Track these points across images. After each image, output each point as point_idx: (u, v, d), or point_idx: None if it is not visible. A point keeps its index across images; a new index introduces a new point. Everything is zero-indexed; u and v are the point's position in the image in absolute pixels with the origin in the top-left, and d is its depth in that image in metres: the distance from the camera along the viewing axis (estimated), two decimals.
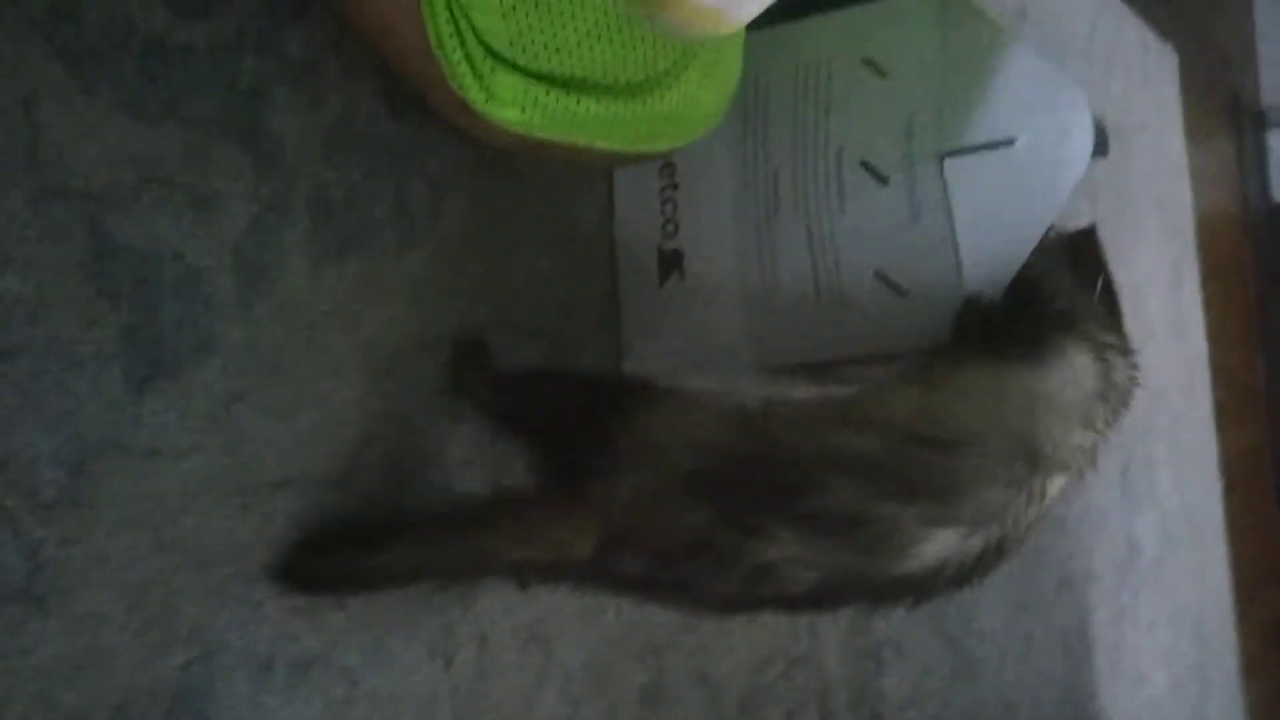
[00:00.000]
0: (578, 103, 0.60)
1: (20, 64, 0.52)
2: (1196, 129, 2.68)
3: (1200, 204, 2.70)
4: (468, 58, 0.59)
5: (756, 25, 0.80)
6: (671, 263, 0.80)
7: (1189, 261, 2.55)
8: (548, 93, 0.60)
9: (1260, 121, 3.38)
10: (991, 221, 0.68)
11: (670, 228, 0.80)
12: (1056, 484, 0.62)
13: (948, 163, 0.69)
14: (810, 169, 0.74)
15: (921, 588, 0.59)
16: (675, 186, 0.79)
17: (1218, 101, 3.08)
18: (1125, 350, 0.70)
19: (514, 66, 0.59)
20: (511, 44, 0.59)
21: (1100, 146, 0.70)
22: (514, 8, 0.58)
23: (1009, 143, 0.68)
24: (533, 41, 0.59)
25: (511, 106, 0.60)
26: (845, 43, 0.74)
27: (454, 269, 0.70)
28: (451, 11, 0.58)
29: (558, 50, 0.59)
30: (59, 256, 0.52)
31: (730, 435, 0.59)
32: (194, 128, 0.58)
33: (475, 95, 0.59)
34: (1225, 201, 3.09)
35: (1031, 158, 0.67)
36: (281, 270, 0.61)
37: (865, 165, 0.72)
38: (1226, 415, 2.53)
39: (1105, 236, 0.75)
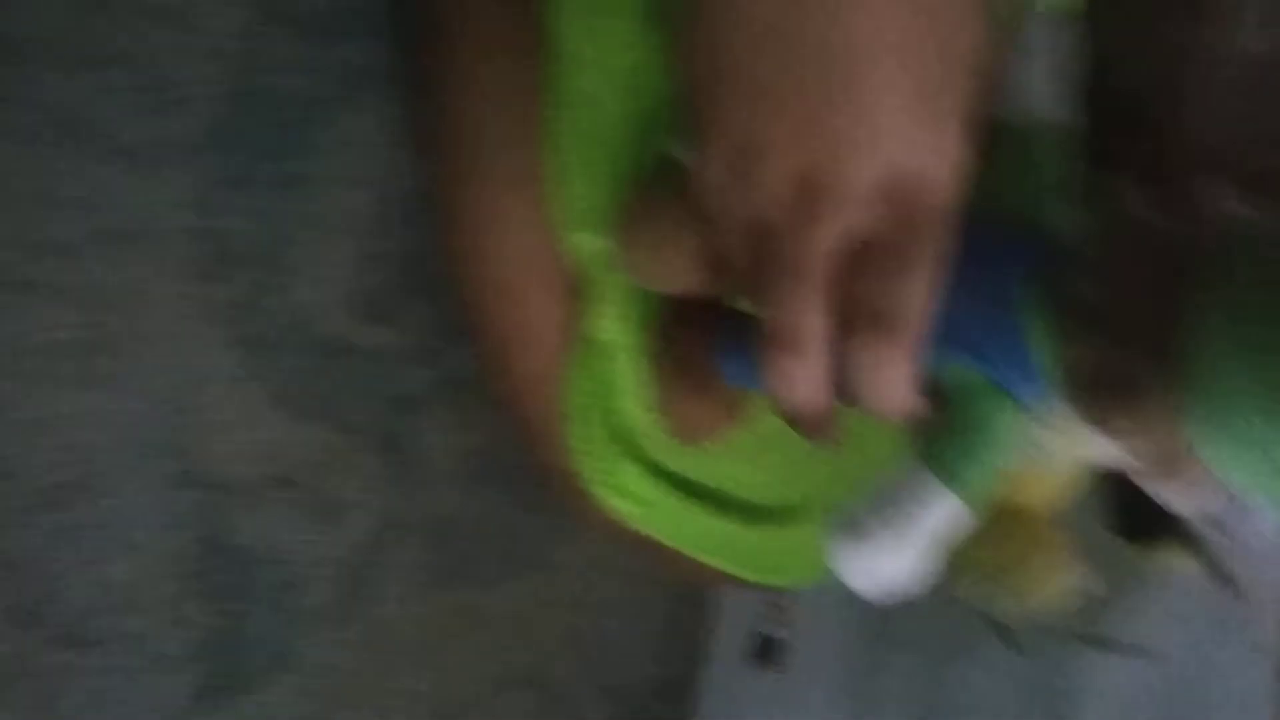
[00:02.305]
0: (698, 512, 0.57)
1: (201, 346, 0.51)
2: None
3: None
4: (596, 437, 0.55)
5: None
6: (771, 650, 0.76)
7: None
8: (670, 494, 0.56)
9: None
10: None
11: (777, 614, 0.76)
12: None
13: (1087, 651, 0.64)
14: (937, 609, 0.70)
15: None
16: None
17: None
18: None
19: (642, 459, 0.56)
20: (646, 436, 0.55)
21: None
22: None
23: (1161, 655, 0.63)
24: (670, 443, 0.55)
25: (628, 498, 0.56)
26: None
27: (549, 614, 0.67)
28: (594, 385, 0.55)
29: (694, 458, 0.56)
30: (172, 547, 0.50)
31: None
32: (342, 431, 0.57)
33: (592, 475, 0.56)
34: None
35: (1182, 677, 0.62)
36: (382, 592, 0.59)
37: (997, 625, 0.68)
38: None
39: None
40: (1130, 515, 0.52)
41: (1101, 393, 0.34)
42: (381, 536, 0.59)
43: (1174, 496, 0.37)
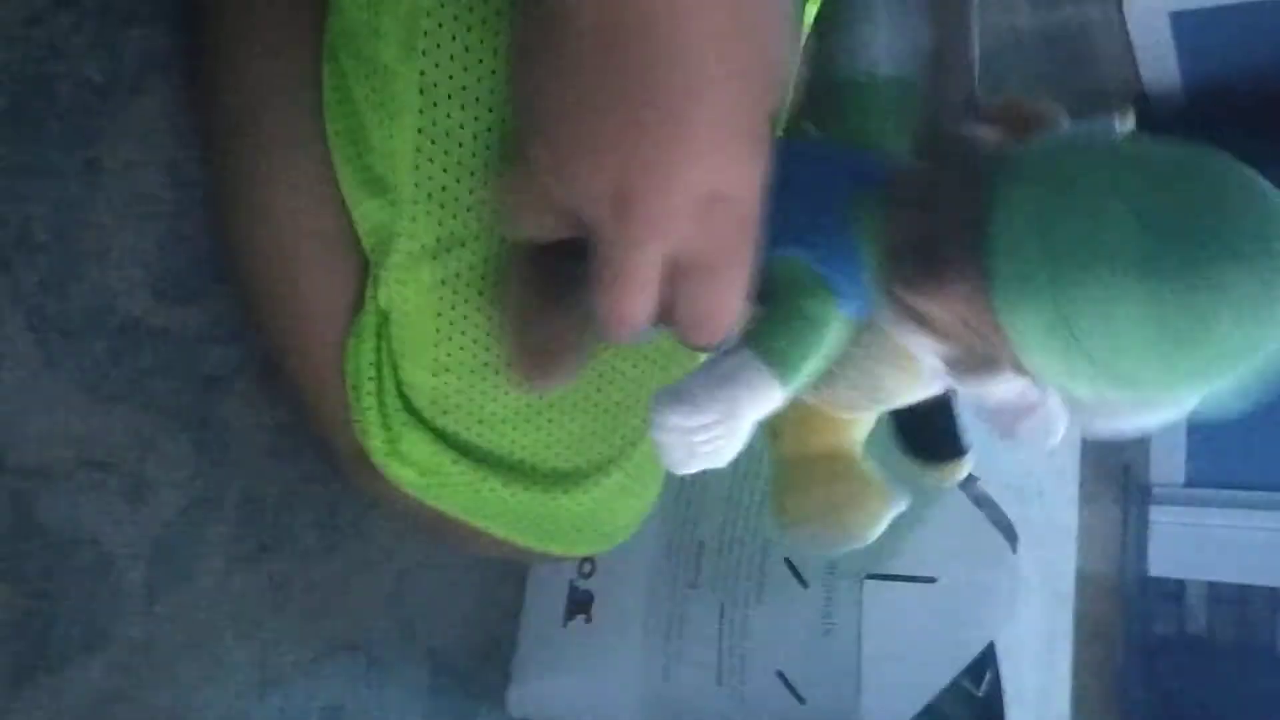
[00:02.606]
0: (484, 480, 0.56)
1: (4, 334, 0.51)
2: (1088, 495, 2.78)
3: (1081, 570, 2.78)
4: (381, 404, 0.55)
5: None
6: (580, 603, 0.79)
7: (1064, 627, 2.61)
8: (455, 462, 0.55)
9: (1145, 495, 3.52)
10: (901, 652, 0.69)
11: (587, 567, 0.80)
12: None
13: (868, 583, 0.70)
14: (735, 551, 0.75)
15: None
16: None
17: (1110, 471, 3.21)
18: None
19: (429, 427, 0.55)
20: (433, 403, 0.54)
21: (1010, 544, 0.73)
22: (447, 368, 0.53)
23: (930, 580, 0.70)
24: (457, 406, 0.54)
25: (412, 467, 0.56)
26: None
27: (366, 579, 0.69)
28: (379, 354, 0.55)
29: (480, 421, 0.55)
30: None
31: None
32: (147, 412, 0.58)
33: (378, 445, 0.55)
34: (1105, 568, 3.18)
35: (950, 601, 0.69)
36: (197, 567, 0.60)
37: (789, 563, 0.73)
38: None
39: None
40: (922, 438, 0.56)
41: (915, 260, 0.38)
42: (192, 513, 0.60)
43: (986, 391, 0.43)
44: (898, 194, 0.40)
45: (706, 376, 0.40)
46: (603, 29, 0.34)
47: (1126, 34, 3.18)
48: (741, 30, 0.34)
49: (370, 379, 0.55)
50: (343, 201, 0.53)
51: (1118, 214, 0.34)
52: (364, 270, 0.54)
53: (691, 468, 0.41)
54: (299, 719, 0.66)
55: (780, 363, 0.40)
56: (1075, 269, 0.35)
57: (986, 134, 0.41)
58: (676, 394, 0.40)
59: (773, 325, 0.40)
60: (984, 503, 0.74)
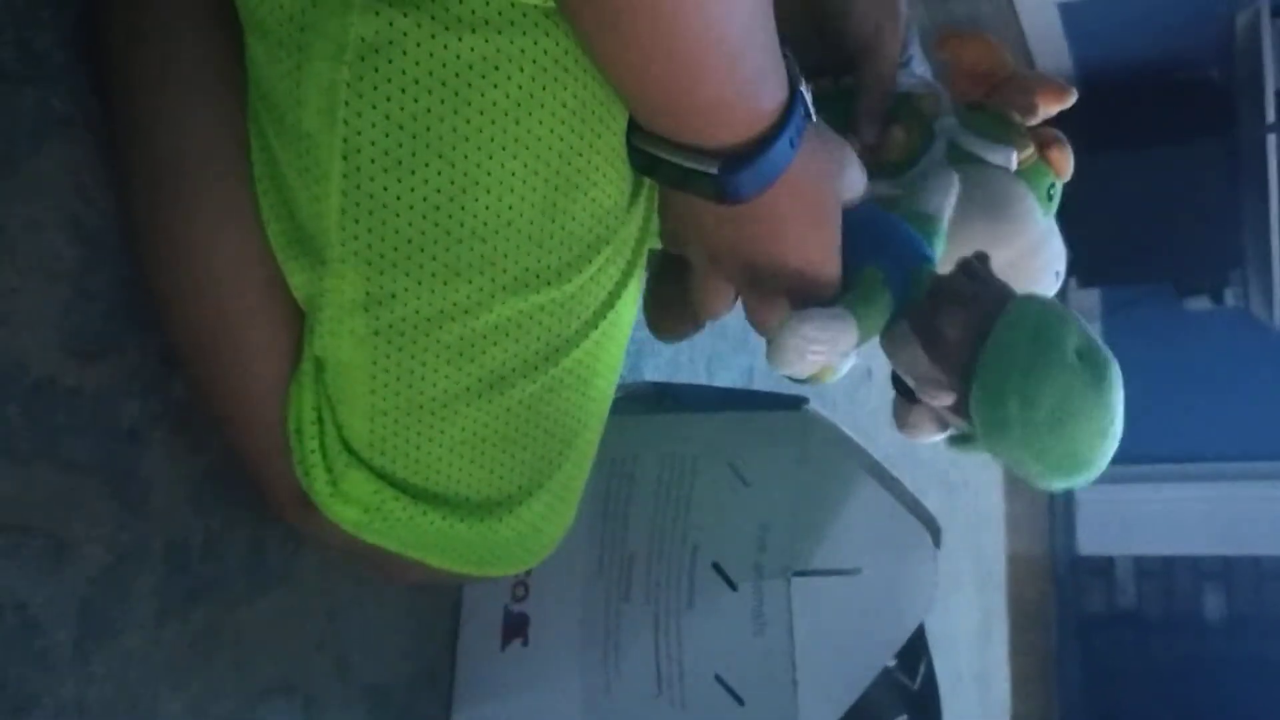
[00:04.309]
0: (424, 514, 0.58)
1: None
2: (1015, 482, 2.84)
3: (1012, 555, 2.84)
4: (323, 447, 0.57)
5: (632, 411, 0.85)
6: (516, 627, 0.80)
7: (999, 610, 2.67)
8: (396, 499, 0.58)
9: None
10: (832, 645, 0.71)
11: (520, 590, 0.81)
12: None
13: (795, 581, 0.72)
14: (665, 559, 0.76)
15: None
16: None
17: None
18: None
19: (368, 467, 0.57)
20: (371, 446, 0.57)
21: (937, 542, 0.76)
22: (384, 413, 0.56)
23: (855, 572, 0.72)
24: (394, 448, 0.57)
25: (355, 506, 0.58)
26: (715, 445, 0.78)
27: (298, 620, 0.70)
28: (319, 398, 0.57)
29: (417, 461, 0.57)
30: None
31: None
32: (66, 471, 0.57)
33: (320, 487, 0.57)
34: (1035, 552, 3.25)
35: (875, 590, 0.71)
36: (126, 622, 0.60)
37: (717, 567, 0.74)
38: None
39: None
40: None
41: (934, 327, 0.61)
42: (116, 570, 0.60)
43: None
44: (941, 284, 0.62)
45: (822, 314, 0.58)
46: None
47: (1019, 25, 3.28)
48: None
49: (313, 424, 0.57)
50: (273, 264, 0.55)
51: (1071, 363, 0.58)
52: (301, 317, 0.56)
53: (798, 369, 0.59)
54: None
55: (861, 319, 0.59)
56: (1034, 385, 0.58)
57: (927, 90, 0.72)
58: (808, 315, 0.58)
59: (859, 302, 0.60)
60: (903, 495, 0.76)
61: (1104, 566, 3.51)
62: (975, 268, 0.63)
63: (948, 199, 0.67)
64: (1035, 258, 0.72)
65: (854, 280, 0.61)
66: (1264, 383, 3.36)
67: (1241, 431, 3.38)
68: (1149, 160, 3.13)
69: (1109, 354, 0.60)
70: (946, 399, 0.61)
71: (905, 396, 0.64)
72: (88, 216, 0.58)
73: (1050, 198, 0.72)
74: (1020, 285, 0.63)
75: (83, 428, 0.58)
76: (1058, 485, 0.61)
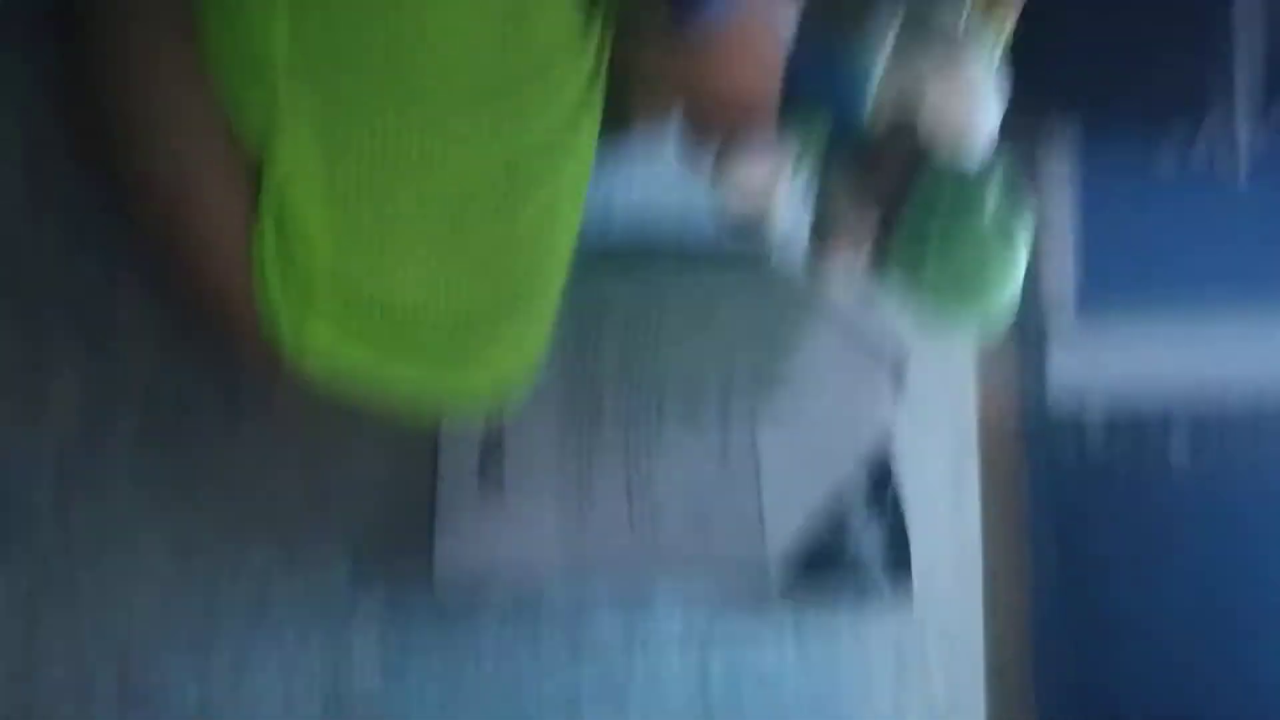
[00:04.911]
0: (388, 355, 0.61)
1: None
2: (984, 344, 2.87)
3: (985, 415, 2.89)
4: (286, 297, 0.59)
5: (604, 259, 0.85)
6: (493, 461, 0.82)
7: (970, 469, 2.72)
8: (358, 346, 0.60)
9: (1041, 335, 3.59)
10: (795, 474, 0.73)
11: (496, 424, 0.82)
12: None
13: (759, 412, 0.74)
14: (635, 389, 0.78)
15: None
16: None
17: None
18: None
19: (328, 313, 0.59)
20: (335, 273, 0.59)
21: (899, 383, 0.78)
22: (347, 231, 0.58)
23: (817, 398, 0.73)
24: (360, 267, 0.59)
25: (321, 355, 0.60)
26: (689, 284, 0.80)
27: (276, 467, 0.71)
28: (279, 250, 0.58)
29: (383, 279, 0.60)
30: None
31: None
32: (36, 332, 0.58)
33: (286, 336, 0.59)
34: (1007, 412, 3.30)
35: (836, 418, 0.73)
36: (104, 468, 0.61)
37: (686, 398, 0.76)
38: (996, 618, 2.67)
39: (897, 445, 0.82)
40: None
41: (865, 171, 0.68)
42: (92, 415, 0.60)
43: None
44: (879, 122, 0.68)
45: (762, 135, 0.66)
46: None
47: None
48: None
49: (276, 273, 0.58)
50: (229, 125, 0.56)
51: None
52: (258, 181, 0.57)
53: (743, 190, 0.73)
54: (226, 604, 0.68)
55: (801, 142, 0.68)
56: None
57: None
58: (749, 136, 0.65)
59: (798, 128, 0.68)
60: (862, 337, 0.78)
61: (1074, 418, 3.56)
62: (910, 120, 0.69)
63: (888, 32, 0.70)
64: (972, 92, 0.74)
65: (793, 115, 0.66)
66: (1232, 231, 3.37)
67: (1213, 279, 3.40)
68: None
69: (1022, 213, 0.68)
70: (867, 232, 0.69)
71: (821, 239, 0.72)
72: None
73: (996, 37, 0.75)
74: (955, 112, 0.67)
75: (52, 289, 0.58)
76: (950, 324, 0.72)
